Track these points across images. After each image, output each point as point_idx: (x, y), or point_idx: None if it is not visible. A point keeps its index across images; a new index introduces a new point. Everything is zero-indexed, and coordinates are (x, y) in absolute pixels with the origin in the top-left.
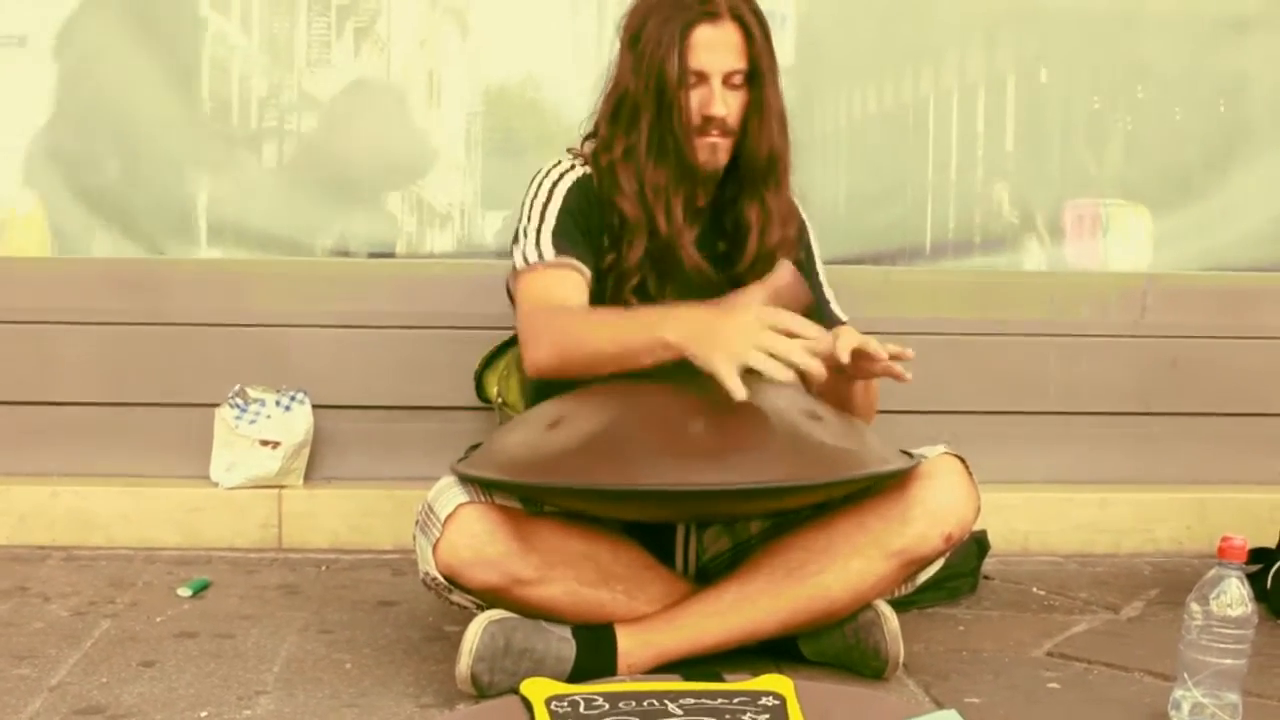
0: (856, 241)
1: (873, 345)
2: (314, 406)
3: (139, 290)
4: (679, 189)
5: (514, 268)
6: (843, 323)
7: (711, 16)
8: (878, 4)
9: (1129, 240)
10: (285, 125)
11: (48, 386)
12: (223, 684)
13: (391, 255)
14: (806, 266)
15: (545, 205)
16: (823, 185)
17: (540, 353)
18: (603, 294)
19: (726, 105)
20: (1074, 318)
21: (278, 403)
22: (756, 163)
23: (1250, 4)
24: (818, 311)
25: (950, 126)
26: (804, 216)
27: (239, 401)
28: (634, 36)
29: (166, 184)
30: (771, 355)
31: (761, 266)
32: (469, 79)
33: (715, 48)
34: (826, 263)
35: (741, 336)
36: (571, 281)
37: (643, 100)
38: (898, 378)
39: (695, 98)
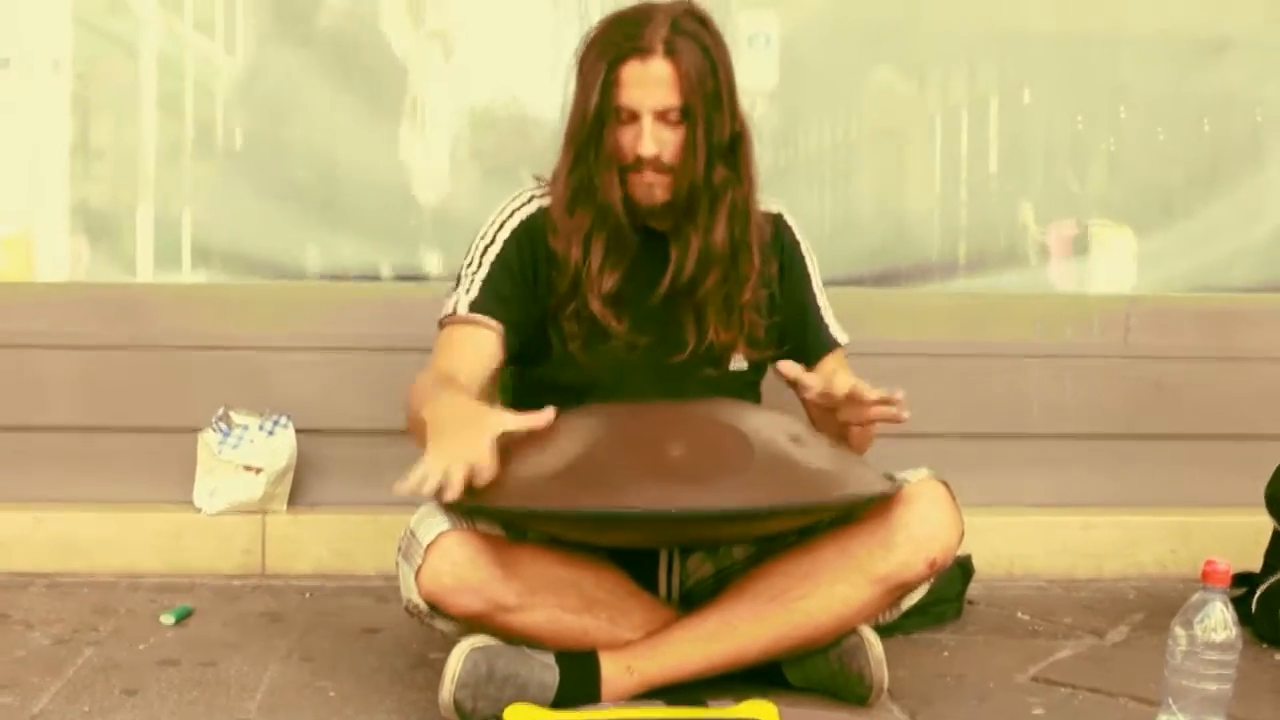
0: (840, 263)
1: (862, 387)
2: (297, 431)
3: (122, 314)
4: (601, 229)
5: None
6: (840, 345)
7: (641, 53)
8: (862, 27)
9: (1112, 261)
10: (269, 148)
11: (30, 411)
12: (206, 712)
13: (376, 278)
14: (780, 300)
15: (485, 250)
16: (806, 207)
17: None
18: (548, 329)
19: (660, 143)
20: (1057, 340)
21: (261, 427)
22: (679, 200)
23: (1231, 25)
24: (812, 336)
25: (934, 148)
26: (797, 239)
27: (222, 426)
28: (578, 71)
29: (150, 207)
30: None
31: (680, 300)
32: (453, 101)
33: (645, 84)
34: None
35: (444, 449)
36: (476, 339)
37: (574, 136)
38: (895, 420)
39: (628, 135)
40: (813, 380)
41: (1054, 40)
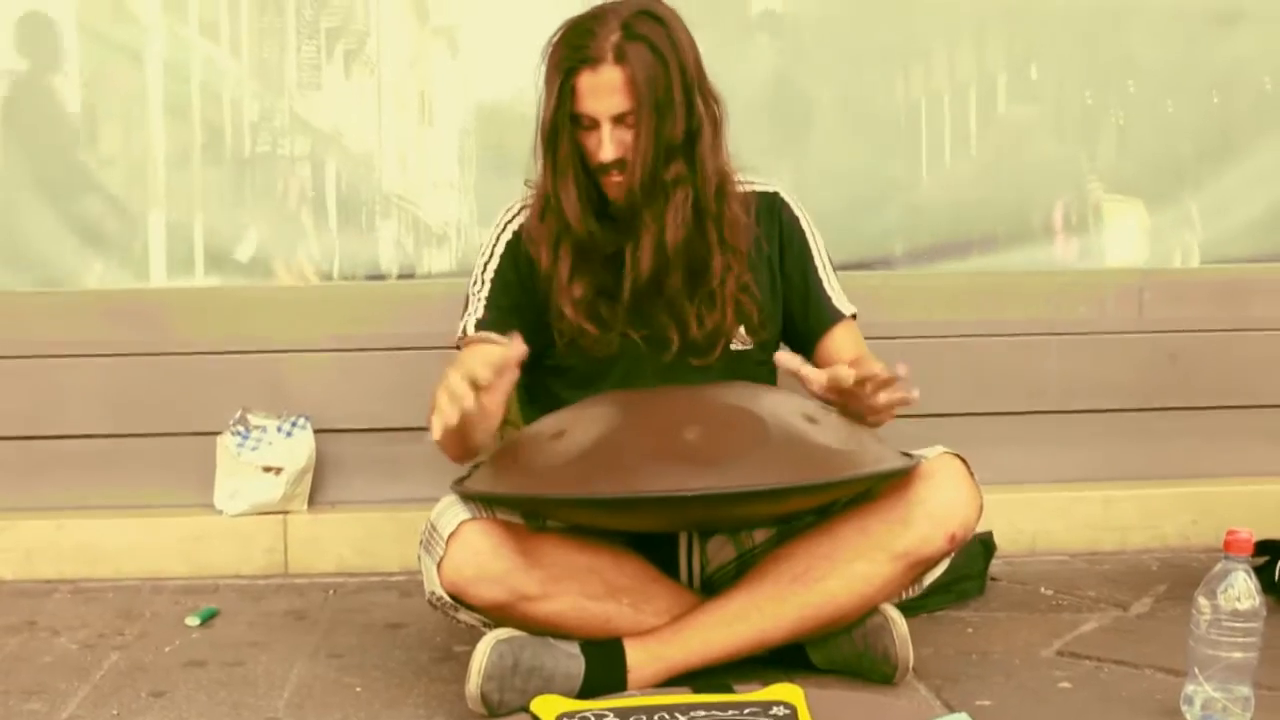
0: (850, 245)
1: (866, 368)
2: (315, 431)
3: (137, 320)
4: (567, 237)
5: None
6: (845, 316)
7: (591, 62)
8: (869, 3)
9: (1124, 235)
10: (277, 150)
11: (49, 420)
12: (233, 711)
13: (387, 277)
14: (781, 279)
15: (484, 266)
16: (814, 189)
17: None
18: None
19: (622, 145)
20: (1072, 316)
21: (279, 429)
22: (632, 200)
23: None
24: (815, 310)
25: (942, 125)
26: (796, 215)
27: (240, 429)
28: (544, 79)
29: (160, 212)
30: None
31: (650, 299)
32: (460, 97)
33: (598, 93)
34: None
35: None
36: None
37: (541, 146)
38: (905, 402)
39: (591, 141)
40: (813, 374)
41: (1062, 14)
